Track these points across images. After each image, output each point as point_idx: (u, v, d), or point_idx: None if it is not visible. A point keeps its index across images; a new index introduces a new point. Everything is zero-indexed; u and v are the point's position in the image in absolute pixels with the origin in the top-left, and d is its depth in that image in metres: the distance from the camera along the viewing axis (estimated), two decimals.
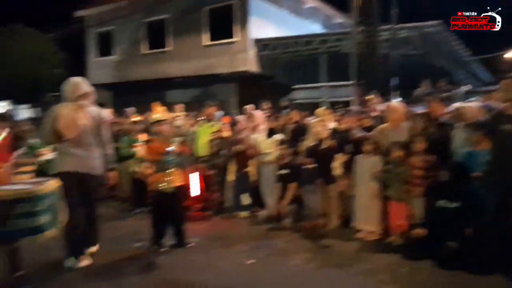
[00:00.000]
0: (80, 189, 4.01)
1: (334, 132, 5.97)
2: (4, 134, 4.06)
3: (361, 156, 5.39)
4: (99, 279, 3.97)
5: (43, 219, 2.68)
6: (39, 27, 17.11)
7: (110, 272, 4.15)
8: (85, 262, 4.18)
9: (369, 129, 5.72)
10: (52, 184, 2.93)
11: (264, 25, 14.26)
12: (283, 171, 6.02)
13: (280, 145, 6.12)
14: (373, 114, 6.55)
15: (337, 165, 5.58)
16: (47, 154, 7.68)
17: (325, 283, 3.93)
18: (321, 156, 5.68)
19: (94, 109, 4.18)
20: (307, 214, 5.96)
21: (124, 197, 8.17)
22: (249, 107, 9.14)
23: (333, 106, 9.40)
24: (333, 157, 5.60)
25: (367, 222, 5.23)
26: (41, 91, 16.32)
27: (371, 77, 9.36)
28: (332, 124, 6.31)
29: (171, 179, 4.76)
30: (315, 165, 5.73)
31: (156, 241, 4.84)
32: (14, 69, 14.95)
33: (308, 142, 6.06)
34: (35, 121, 11.77)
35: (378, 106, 7.05)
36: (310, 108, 9.09)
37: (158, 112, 5.03)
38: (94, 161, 4.12)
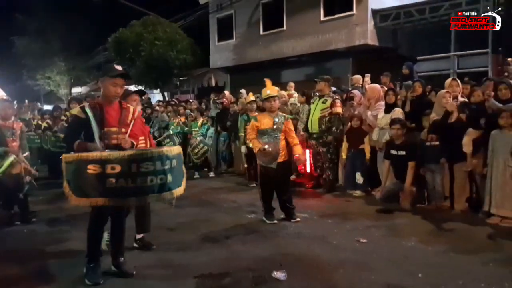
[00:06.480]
0: None
1: (465, 105, 5.27)
2: (139, 108, 4.26)
3: (497, 132, 4.68)
4: (215, 244, 4.20)
5: (169, 178, 2.84)
6: (169, 17, 18.75)
7: (225, 239, 4.37)
8: None
9: (507, 101, 4.88)
10: (177, 149, 3.09)
11: None
12: (398, 152, 5.57)
13: (394, 125, 5.59)
14: None
15: (467, 141, 4.93)
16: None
17: (446, 268, 3.45)
18: (448, 131, 5.11)
19: None
20: (429, 195, 5.48)
21: (241, 172, 8.61)
22: (363, 80, 8.68)
23: (463, 77, 8.26)
24: (462, 133, 4.97)
25: (502, 206, 4.57)
26: (170, 75, 17.89)
27: None
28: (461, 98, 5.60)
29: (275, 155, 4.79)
30: (439, 142, 5.23)
31: (267, 213, 4.96)
32: (148, 57, 16.62)
33: (434, 116, 5.43)
34: (164, 103, 13.10)
35: None
36: (437, 80, 8.22)
37: (269, 89, 5.04)
38: None
